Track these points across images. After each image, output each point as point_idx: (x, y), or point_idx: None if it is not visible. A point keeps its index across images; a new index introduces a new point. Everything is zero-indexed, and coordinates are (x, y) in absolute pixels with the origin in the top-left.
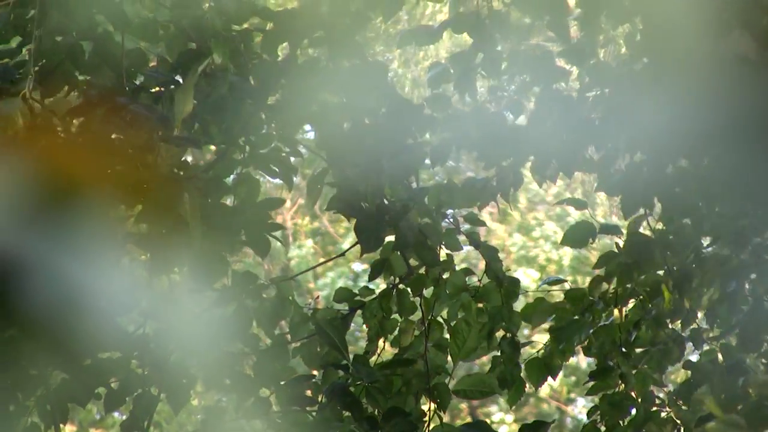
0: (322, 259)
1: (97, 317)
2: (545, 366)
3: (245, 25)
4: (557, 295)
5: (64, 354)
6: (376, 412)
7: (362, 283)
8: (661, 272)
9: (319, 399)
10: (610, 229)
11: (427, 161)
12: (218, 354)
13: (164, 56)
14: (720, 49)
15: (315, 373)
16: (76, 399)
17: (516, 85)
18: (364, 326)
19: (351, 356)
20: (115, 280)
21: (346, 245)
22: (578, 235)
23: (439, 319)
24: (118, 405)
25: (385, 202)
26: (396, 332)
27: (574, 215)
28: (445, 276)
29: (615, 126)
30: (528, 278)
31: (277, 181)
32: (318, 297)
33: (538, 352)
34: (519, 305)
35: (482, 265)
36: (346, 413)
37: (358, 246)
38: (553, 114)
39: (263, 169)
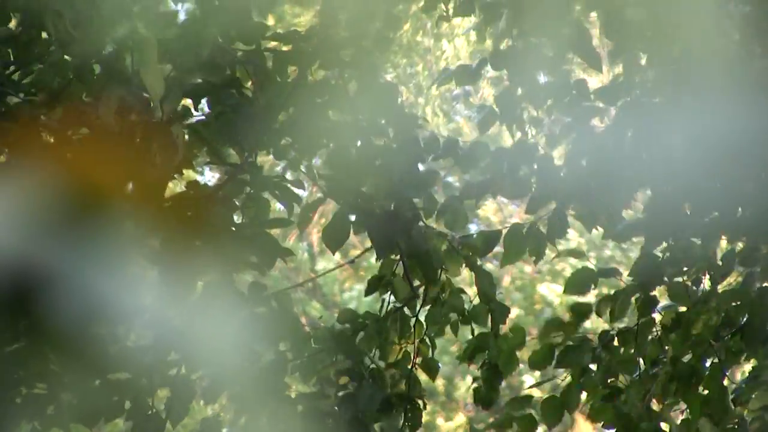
0: (347, 273)
1: (113, 332)
2: (561, 405)
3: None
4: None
5: (82, 369)
6: None
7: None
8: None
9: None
10: (610, 273)
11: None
12: (221, 367)
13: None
14: (751, 73)
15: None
16: (84, 420)
17: (553, 117)
18: None
19: None
20: (131, 293)
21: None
22: (579, 283)
23: (427, 338)
24: (115, 417)
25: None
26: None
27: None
28: (444, 296)
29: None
30: (552, 293)
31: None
32: (321, 317)
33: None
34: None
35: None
36: None
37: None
38: (589, 154)
39: (269, 192)
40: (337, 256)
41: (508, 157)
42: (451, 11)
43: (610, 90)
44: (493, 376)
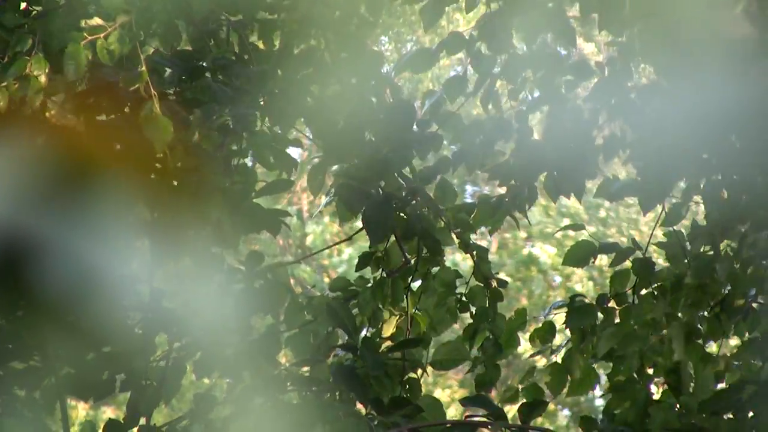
0: (337, 238)
1: (107, 303)
2: (564, 370)
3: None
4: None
5: (76, 340)
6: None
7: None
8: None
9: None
10: (610, 248)
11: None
12: (213, 340)
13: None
14: (722, 34)
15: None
16: (78, 393)
17: (528, 85)
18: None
19: None
20: (125, 264)
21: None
22: (579, 255)
23: (422, 312)
24: (108, 394)
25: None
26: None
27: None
28: (434, 270)
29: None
30: (545, 254)
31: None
32: (314, 286)
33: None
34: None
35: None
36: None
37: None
38: (563, 126)
39: (260, 161)
40: (327, 219)
41: (482, 129)
42: None
43: (588, 65)
44: (495, 354)
